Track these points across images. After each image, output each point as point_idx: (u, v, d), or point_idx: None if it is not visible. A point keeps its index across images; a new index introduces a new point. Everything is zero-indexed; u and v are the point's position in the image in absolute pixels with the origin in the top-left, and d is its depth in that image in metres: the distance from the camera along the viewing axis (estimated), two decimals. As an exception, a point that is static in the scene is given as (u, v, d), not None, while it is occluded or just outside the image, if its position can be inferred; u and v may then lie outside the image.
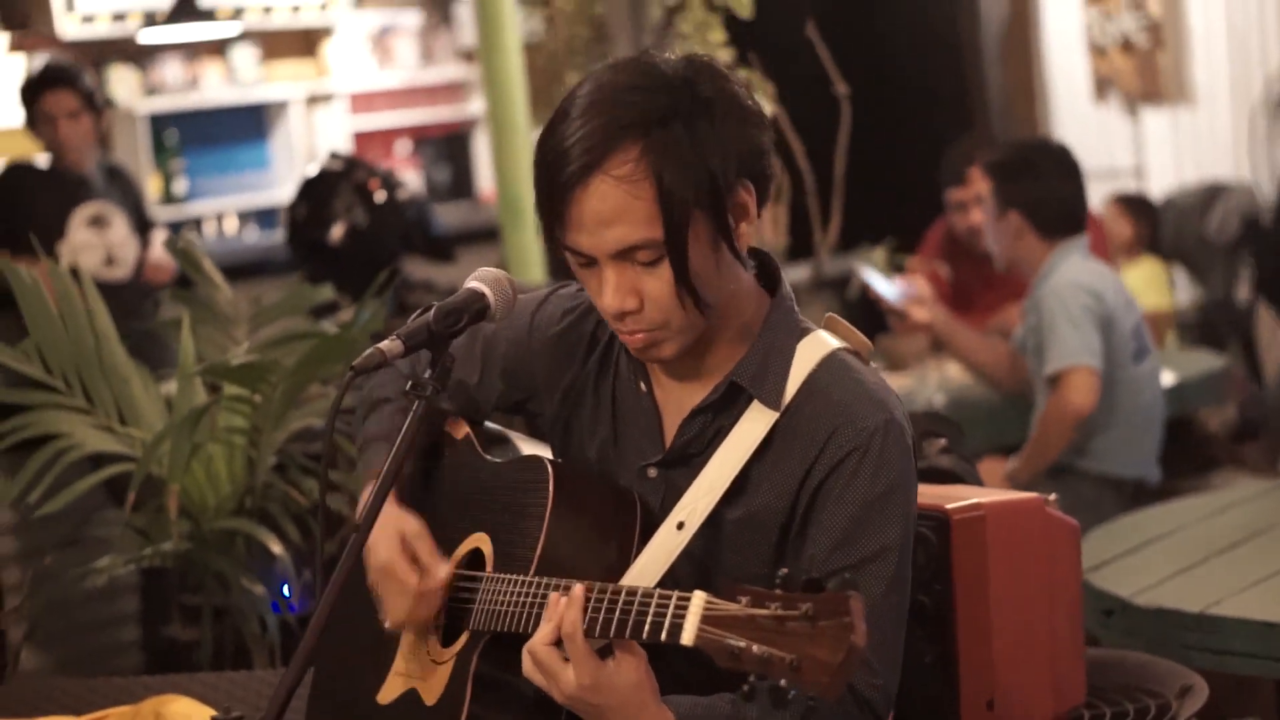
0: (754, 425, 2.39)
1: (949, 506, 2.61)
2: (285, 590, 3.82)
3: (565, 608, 2.23)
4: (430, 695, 2.50)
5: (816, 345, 2.43)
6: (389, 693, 2.59)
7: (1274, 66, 8.21)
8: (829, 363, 2.41)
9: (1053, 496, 2.77)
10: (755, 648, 1.98)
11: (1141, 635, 3.46)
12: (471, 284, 2.43)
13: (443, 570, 2.53)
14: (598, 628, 2.21)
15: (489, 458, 2.62)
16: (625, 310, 2.33)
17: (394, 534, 2.54)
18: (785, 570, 2.02)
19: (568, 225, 2.31)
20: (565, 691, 2.23)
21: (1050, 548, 2.72)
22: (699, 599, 2.08)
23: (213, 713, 2.79)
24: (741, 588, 2.03)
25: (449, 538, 2.59)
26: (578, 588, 2.24)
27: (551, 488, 2.42)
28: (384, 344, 2.34)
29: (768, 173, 2.39)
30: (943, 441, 3.22)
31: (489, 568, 2.49)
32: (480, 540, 2.54)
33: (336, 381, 3.90)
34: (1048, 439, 4.88)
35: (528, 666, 2.28)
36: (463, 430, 2.69)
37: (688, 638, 2.07)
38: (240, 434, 3.76)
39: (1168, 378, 5.45)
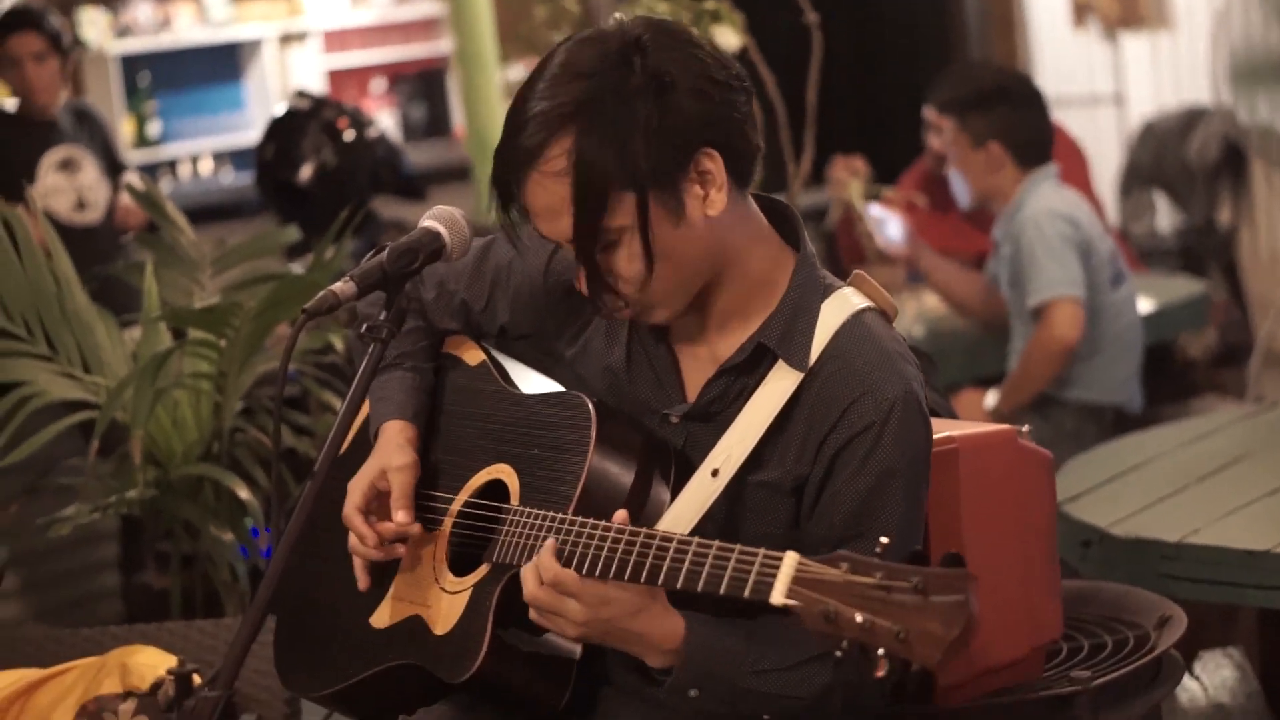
0: (779, 385, 2.37)
1: (920, 440, 2.57)
2: (255, 536, 3.79)
3: (542, 554, 2.24)
4: (440, 624, 2.46)
5: (841, 305, 2.40)
6: (386, 617, 2.55)
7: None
8: (853, 325, 2.39)
9: (1026, 428, 2.73)
10: (858, 615, 1.95)
11: (1120, 566, 3.43)
12: (426, 223, 2.42)
13: (400, 516, 2.51)
14: (662, 576, 2.18)
15: (512, 389, 2.59)
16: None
17: (376, 466, 2.55)
18: (887, 540, 2.00)
19: (528, 214, 2.31)
20: (576, 619, 2.23)
21: (1023, 479, 2.69)
22: (791, 558, 2.06)
23: (179, 663, 2.77)
24: (841, 554, 2.02)
25: (465, 464, 2.56)
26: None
27: (595, 426, 2.40)
28: (337, 286, 2.34)
29: (739, 140, 2.33)
30: (915, 374, 3.19)
31: (514, 500, 2.46)
32: (502, 471, 2.51)
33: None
34: (1033, 372, 4.81)
35: (534, 614, 2.28)
36: (477, 356, 2.66)
37: (777, 596, 2.04)
38: (206, 379, 3.72)
39: (1148, 304, 5.41)
